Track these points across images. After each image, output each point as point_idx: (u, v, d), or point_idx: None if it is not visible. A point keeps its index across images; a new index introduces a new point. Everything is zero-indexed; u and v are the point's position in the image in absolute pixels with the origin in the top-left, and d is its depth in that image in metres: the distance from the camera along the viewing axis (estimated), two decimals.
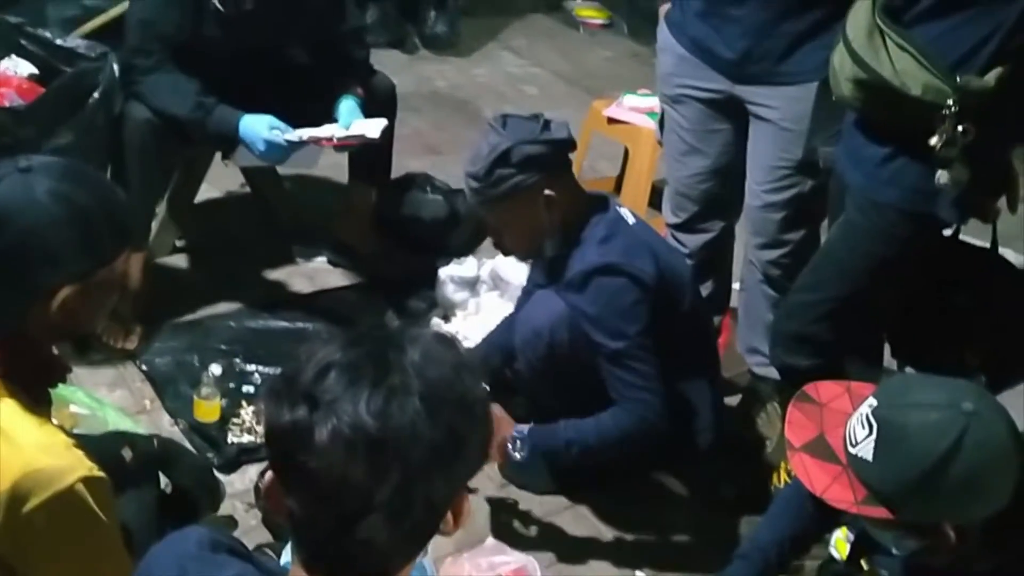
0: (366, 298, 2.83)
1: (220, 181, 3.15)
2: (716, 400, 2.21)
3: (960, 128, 1.68)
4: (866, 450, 1.37)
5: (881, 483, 1.37)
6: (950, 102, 1.68)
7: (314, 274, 2.96)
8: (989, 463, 1.33)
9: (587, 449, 1.98)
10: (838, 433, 1.43)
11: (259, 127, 2.41)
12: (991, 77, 1.68)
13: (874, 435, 1.37)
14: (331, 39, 2.69)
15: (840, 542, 1.68)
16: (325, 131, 2.51)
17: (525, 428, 1.98)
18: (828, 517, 1.72)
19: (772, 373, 2.27)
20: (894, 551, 1.49)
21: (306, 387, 0.91)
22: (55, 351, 1.42)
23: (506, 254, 2.20)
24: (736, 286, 2.63)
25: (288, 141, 2.44)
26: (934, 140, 1.70)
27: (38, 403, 1.31)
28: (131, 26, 2.44)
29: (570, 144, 2.04)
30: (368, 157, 2.79)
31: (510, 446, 1.97)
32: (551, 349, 2.07)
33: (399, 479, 0.89)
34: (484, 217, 2.11)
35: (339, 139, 2.51)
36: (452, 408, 0.92)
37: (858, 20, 1.78)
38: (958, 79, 1.68)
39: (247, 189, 3.17)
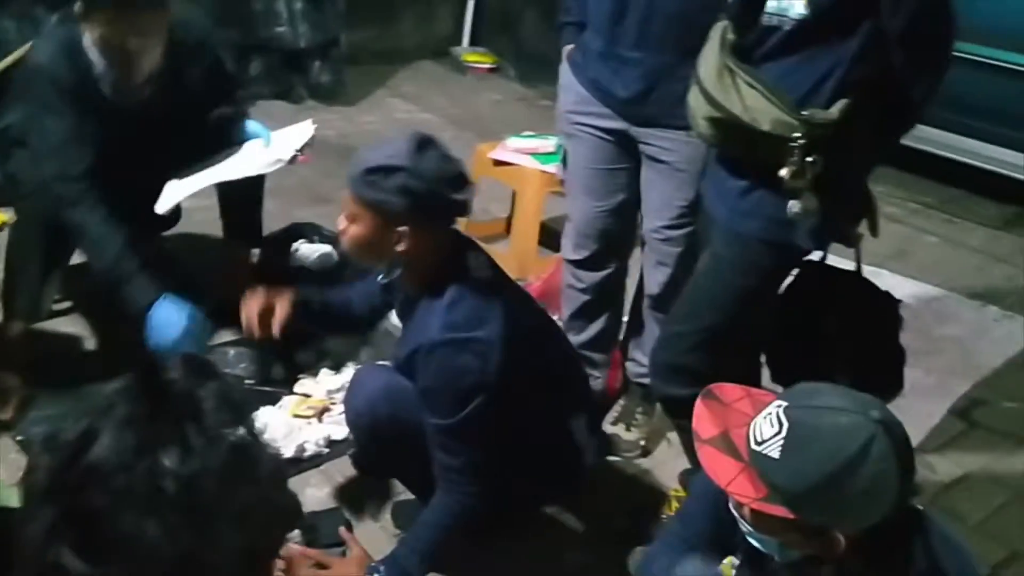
0: (253, 354, 2.77)
1: None
2: (592, 426, 2.22)
3: (809, 159, 1.75)
4: (773, 448, 1.38)
5: (785, 481, 1.38)
6: (797, 135, 1.74)
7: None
8: (890, 471, 1.35)
9: (433, 554, 1.99)
10: (741, 432, 1.45)
11: (173, 320, 2.31)
12: (835, 109, 1.76)
13: (784, 433, 1.38)
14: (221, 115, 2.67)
15: (727, 569, 1.69)
16: (274, 153, 2.51)
17: (377, 567, 1.96)
18: (717, 553, 1.74)
19: (644, 379, 2.40)
20: (777, 558, 1.51)
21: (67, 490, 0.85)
22: None
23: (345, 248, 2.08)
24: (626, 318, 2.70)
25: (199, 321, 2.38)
26: (783, 172, 1.76)
27: None
28: (42, 156, 2.39)
29: (459, 208, 1.93)
30: (242, 214, 2.76)
31: None
32: (374, 428, 2.10)
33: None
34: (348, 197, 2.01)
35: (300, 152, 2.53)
36: (221, 520, 0.87)
37: (708, 61, 1.85)
38: (803, 113, 1.75)
39: None
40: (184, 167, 2.58)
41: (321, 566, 1.98)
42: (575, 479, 2.17)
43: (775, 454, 1.38)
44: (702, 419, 1.50)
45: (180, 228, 3.12)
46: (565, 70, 2.44)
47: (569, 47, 2.44)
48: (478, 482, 1.96)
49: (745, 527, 1.51)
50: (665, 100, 2.20)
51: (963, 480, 2.64)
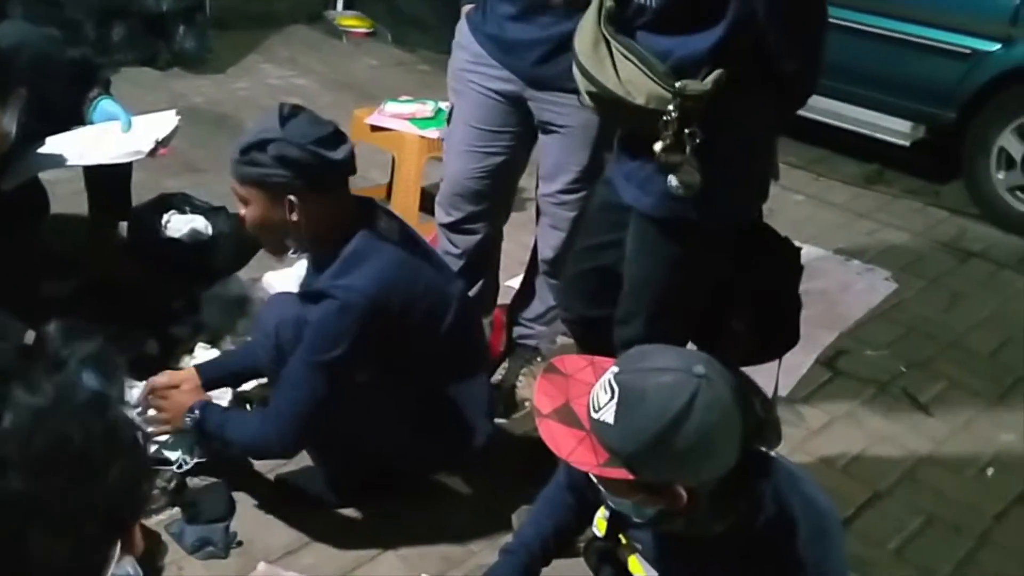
0: (124, 330, 2.67)
1: None
2: (488, 398, 2.24)
3: (687, 131, 1.72)
4: (608, 414, 1.43)
5: (621, 444, 1.43)
6: (671, 107, 1.71)
7: (67, 310, 2.77)
8: (717, 423, 1.42)
9: (226, 443, 2.08)
10: (583, 402, 1.49)
11: None
12: (709, 80, 1.72)
13: (615, 399, 1.43)
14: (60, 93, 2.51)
15: (600, 521, 1.75)
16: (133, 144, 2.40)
17: (203, 403, 2.08)
18: (587, 508, 1.78)
19: (530, 341, 2.43)
20: (635, 519, 1.56)
21: None
22: None
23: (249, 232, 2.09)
24: (511, 283, 2.71)
25: None
26: (657, 146, 1.73)
27: None
28: None
29: (340, 166, 1.93)
30: (108, 186, 2.64)
31: (186, 415, 2.07)
32: (278, 348, 2.08)
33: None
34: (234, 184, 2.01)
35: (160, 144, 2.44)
36: (66, 477, 0.87)
37: (584, 33, 1.80)
38: (676, 84, 1.71)
39: None
40: (34, 142, 2.43)
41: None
42: (469, 446, 2.18)
43: (610, 420, 1.43)
44: (542, 394, 1.53)
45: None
46: (463, 28, 2.41)
47: (469, 6, 2.42)
48: (298, 431, 1.99)
49: (604, 496, 1.57)
50: (563, 64, 2.15)
51: (828, 425, 2.78)
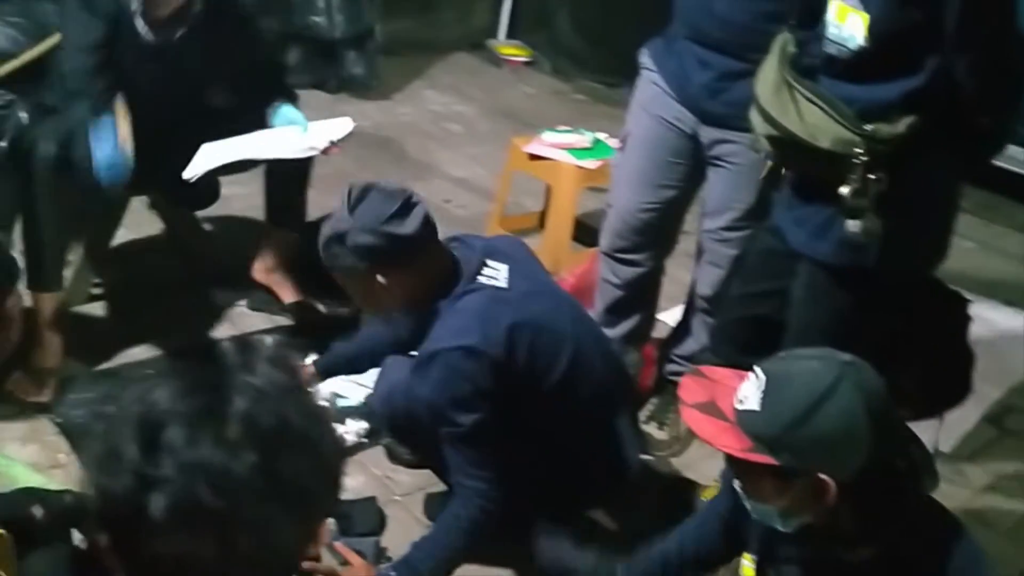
0: (287, 343, 2.80)
1: (137, 224, 3.11)
2: (634, 434, 2.23)
3: (872, 177, 1.68)
4: (754, 402, 1.43)
5: (764, 427, 1.42)
6: (859, 151, 1.67)
7: (235, 319, 2.92)
8: (863, 406, 1.39)
9: (445, 564, 1.98)
10: (728, 400, 1.48)
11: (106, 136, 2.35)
12: (902, 124, 1.68)
13: (762, 386, 1.43)
14: (253, 76, 2.72)
15: (747, 570, 1.70)
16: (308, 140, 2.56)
17: (388, 572, 1.96)
18: (732, 542, 1.75)
19: (679, 378, 2.32)
20: (780, 528, 1.52)
21: (134, 459, 0.88)
22: None
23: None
24: (662, 316, 2.70)
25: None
26: (843, 189, 1.69)
27: None
28: (70, 48, 2.46)
29: (415, 241, 1.93)
30: (285, 199, 2.78)
31: None
32: (393, 419, 2.14)
33: (248, 543, 0.87)
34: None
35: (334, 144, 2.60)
36: (291, 454, 0.90)
37: (766, 76, 1.80)
38: (867, 128, 1.67)
39: (164, 229, 3.13)
40: (215, 133, 2.62)
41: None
42: (617, 482, 2.17)
43: (756, 406, 1.43)
44: (686, 389, 1.53)
45: (220, 211, 3.18)
46: (645, 58, 2.43)
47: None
48: (492, 490, 1.96)
49: (747, 504, 1.54)
50: (738, 102, 2.13)
51: (993, 486, 2.63)
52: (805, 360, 1.45)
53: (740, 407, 1.46)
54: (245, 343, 0.96)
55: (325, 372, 2.32)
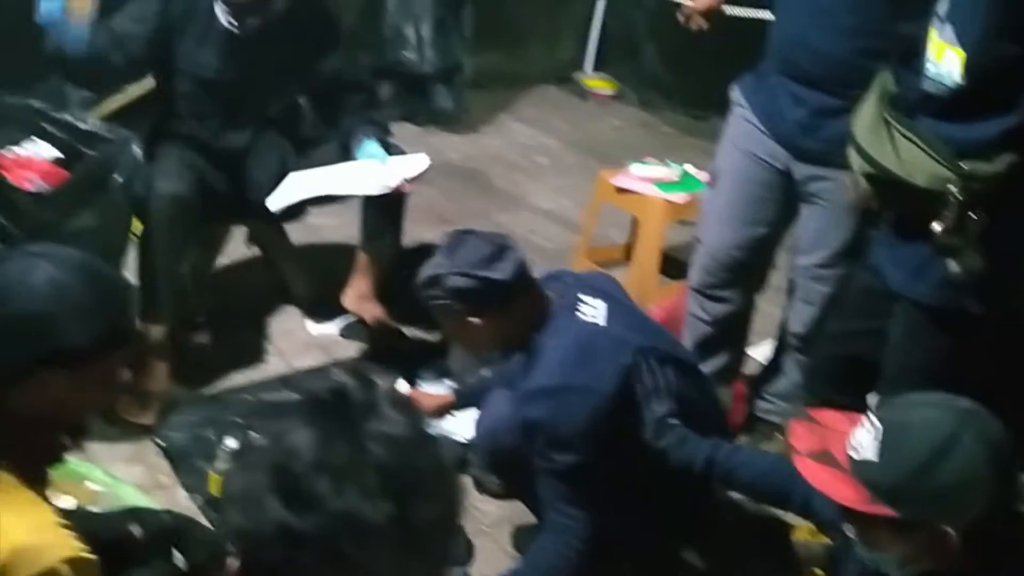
0: (378, 370, 2.85)
1: (232, 250, 3.21)
2: None
3: (971, 215, 1.66)
4: (870, 451, 1.40)
5: (883, 478, 1.39)
6: (954, 189, 1.66)
7: (328, 345, 2.99)
8: (985, 457, 1.36)
9: None
10: (841, 447, 1.46)
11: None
12: (1001, 162, 1.66)
13: (879, 436, 1.40)
14: (335, 93, 2.82)
15: None
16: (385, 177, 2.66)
17: None
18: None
19: (772, 417, 2.37)
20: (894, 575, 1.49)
21: (278, 509, 0.89)
22: (54, 434, 1.41)
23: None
24: (752, 352, 2.67)
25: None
26: (936, 226, 1.68)
27: (32, 481, 1.32)
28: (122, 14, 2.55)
29: (509, 286, 1.96)
30: (380, 228, 2.85)
31: None
32: (495, 454, 2.16)
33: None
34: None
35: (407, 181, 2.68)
36: (422, 501, 0.91)
37: (863, 114, 1.80)
38: (964, 166, 1.66)
39: (258, 254, 3.23)
40: (297, 151, 2.76)
41: None
42: (707, 521, 2.16)
43: (873, 457, 1.40)
44: (798, 436, 1.51)
45: (313, 239, 3.26)
46: (737, 94, 2.43)
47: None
48: (583, 527, 1.96)
49: (862, 552, 1.50)
50: (833, 139, 2.13)
51: None
52: (922, 408, 1.42)
53: (856, 456, 1.43)
54: (365, 380, 0.98)
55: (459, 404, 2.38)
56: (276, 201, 2.66)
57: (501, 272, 1.95)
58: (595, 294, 2.05)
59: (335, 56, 2.82)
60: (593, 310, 2.02)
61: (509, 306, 1.98)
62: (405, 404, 0.98)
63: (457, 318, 2.00)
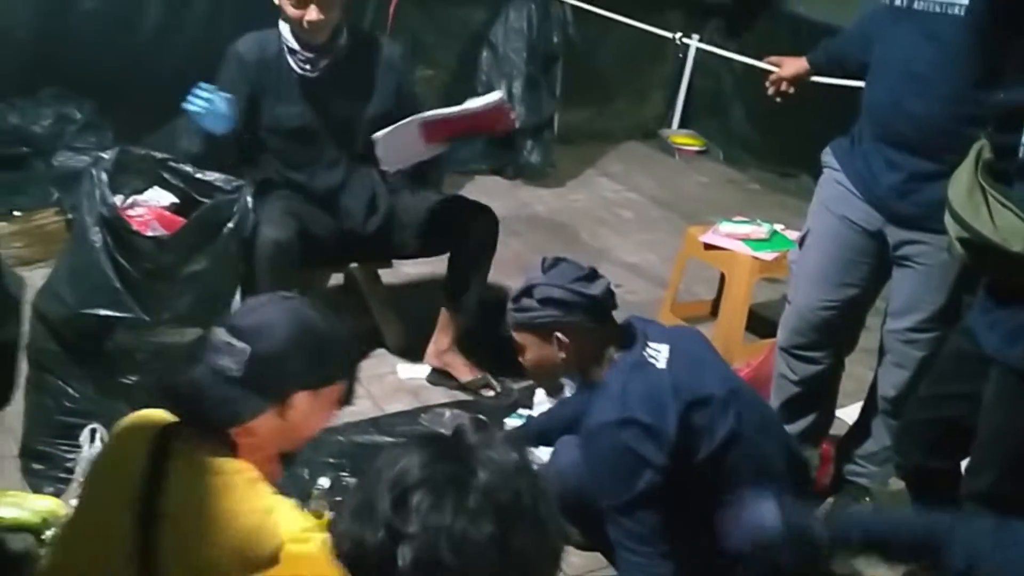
0: (467, 417, 2.91)
1: (328, 298, 3.31)
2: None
3: None
4: None
5: None
6: None
7: (418, 390, 3.07)
8: None
9: None
10: None
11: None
12: None
13: None
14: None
15: None
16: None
17: None
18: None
19: (861, 480, 2.38)
20: None
21: (387, 514, 1.00)
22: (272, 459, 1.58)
23: (528, 376, 2.26)
24: (840, 413, 2.65)
25: None
26: None
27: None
28: None
29: (599, 300, 2.05)
30: (466, 280, 2.96)
31: None
32: (564, 497, 2.14)
33: None
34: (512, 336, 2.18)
35: (455, 115, 2.74)
36: (523, 528, 1.00)
37: (960, 180, 1.83)
38: None
39: (349, 298, 3.34)
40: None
41: None
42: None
43: None
44: None
45: (404, 288, 3.35)
46: (829, 156, 2.46)
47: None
48: (655, 565, 1.98)
49: None
50: (927, 203, 2.15)
51: None
52: None
53: None
54: (481, 423, 1.08)
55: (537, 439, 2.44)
56: (384, 146, 2.74)
57: (593, 288, 2.05)
58: (663, 339, 2.11)
59: (400, 101, 2.93)
60: (657, 352, 2.08)
61: (593, 324, 2.05)
62: (516, 441, 1.06)
63: (541, 332, 2.05)
